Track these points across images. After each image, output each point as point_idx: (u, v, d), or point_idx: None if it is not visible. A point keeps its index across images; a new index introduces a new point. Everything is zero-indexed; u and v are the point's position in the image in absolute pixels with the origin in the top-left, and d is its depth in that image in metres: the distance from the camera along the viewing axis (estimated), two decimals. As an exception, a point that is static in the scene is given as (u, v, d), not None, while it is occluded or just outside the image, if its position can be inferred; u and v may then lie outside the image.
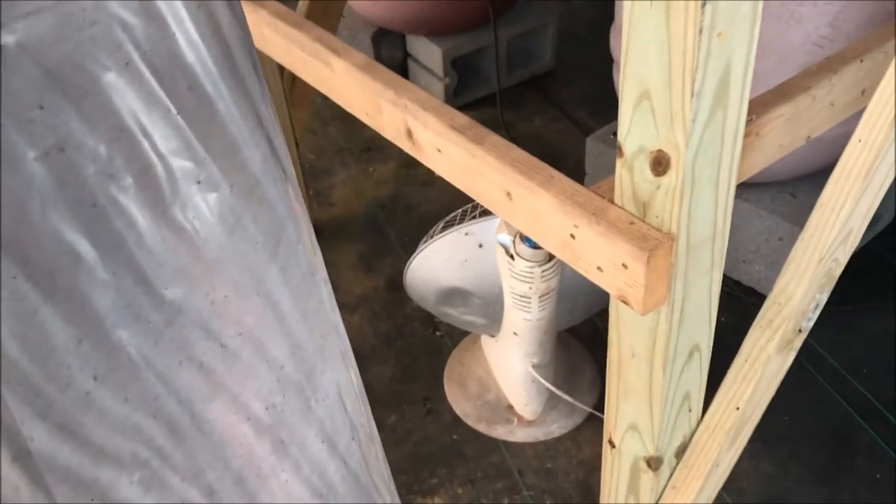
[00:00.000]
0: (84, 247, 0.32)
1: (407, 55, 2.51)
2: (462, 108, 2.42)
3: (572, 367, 1.67)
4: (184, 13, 0.35)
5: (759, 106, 0.89)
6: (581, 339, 1.73)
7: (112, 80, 0.31)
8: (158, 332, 0.35)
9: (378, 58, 2.47)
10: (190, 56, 0.35)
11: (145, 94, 0.32)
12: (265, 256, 0.39)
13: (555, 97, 2.48)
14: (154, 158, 0.33)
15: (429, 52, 2.38)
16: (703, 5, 0.62)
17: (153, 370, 0.35)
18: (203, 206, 0.35)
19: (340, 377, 0.48)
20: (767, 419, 1.00)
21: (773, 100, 0.90)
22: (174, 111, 0.33)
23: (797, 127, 0.93)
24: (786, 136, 0.92)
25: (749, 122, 0.86)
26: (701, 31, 0.64)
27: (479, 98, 2.46)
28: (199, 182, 0.35)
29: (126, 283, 0.33)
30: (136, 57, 0.32)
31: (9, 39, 0.29)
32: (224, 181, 0.36)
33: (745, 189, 1.73)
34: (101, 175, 0.31)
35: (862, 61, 0.98)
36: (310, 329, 0.43)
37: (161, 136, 0.33)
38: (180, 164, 0.34)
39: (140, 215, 0.33)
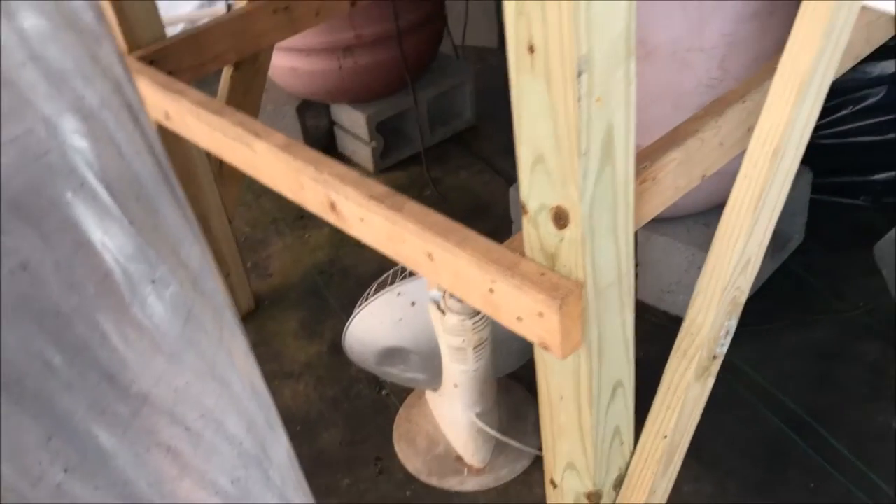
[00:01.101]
0: (50, 352, 0.35)
1: (333, 123, 2.57)
2: (391, 168, 2.49)
3: (516, 412, 1.72)
4: (123, 133, 0.40)
5: (653, 153, 0.96)
6: (522, 382, 1.78)
7: (69, 199, 0.35)
8: (126, 423, 0.38)
9: (304, 128, 2.53)
10: (134, 170, 0.39)
11: (100, 209, 0.37)
12: (214, 342, 0.43)
13: (478, 150, 2.58)
14: (113, 265, 0.37)
15: (353, 119, 2.45)
16: (579, 76, 0.68)
17: (122, 458, 0.39)
18: (158, 303, 0.39)
19: (287, 446, 0.52)
20: (702, 441, 1.05)
21: (664, 146, 0.97)
22: (127, 221, 0.38)
23: (691, 168, 1.01)
24: (681, 178, 1.00)
25: (644, 168, 0.93)
26: (579, 99, 0.69)
27: (405, 157, 2.53)
28: (153, 281, 0.39)
29: (92, 382, 0.37)
30: (89, 177, 0.36)
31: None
32: (174, 278, 0.40)
33: (662, 224, 1.83)
34: (64, 286, 0.35)
35: (744, 101, 1.06)
36: (258, 404, 0.48)
37: (117, 245, 0.37)
38: (136, 267, 0.38)
39: (102, 318, 0.37)
